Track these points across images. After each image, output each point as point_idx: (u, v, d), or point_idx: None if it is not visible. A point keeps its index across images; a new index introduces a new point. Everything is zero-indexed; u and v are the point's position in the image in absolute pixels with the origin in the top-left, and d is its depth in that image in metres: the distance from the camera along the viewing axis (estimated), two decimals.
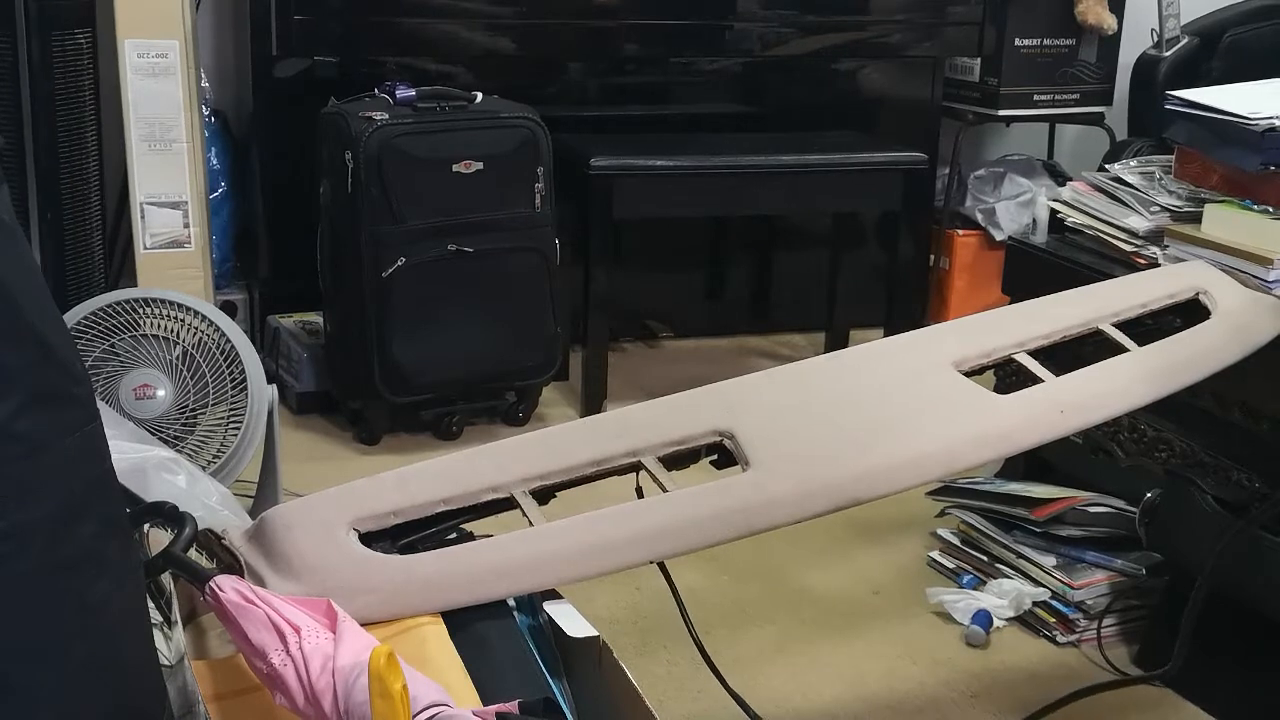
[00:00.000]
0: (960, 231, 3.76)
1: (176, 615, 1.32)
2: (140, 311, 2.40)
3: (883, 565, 2.46)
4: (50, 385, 0.98)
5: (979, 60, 3.70)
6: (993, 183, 3.79)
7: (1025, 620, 2.26)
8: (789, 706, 2.03)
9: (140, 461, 1.74)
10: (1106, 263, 2.30)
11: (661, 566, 1.63)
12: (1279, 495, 1.91)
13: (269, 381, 2.45)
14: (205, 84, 3.19)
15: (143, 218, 2.90)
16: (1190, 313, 1.87)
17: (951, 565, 2.42)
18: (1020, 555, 2.31)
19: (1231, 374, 1.80)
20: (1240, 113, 2.09)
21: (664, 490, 1.46)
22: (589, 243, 3.06)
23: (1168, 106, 2.24)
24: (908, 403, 1.59)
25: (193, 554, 1.37)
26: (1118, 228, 2.25)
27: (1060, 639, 2.22)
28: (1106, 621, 2.20)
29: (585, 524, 1.42)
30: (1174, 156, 2.28)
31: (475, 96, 2.89)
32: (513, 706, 1.15)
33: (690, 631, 1.76)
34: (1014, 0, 3.63)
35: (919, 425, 1.56)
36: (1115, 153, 3.50)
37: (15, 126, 2.80)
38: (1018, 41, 3.68)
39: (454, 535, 1.45)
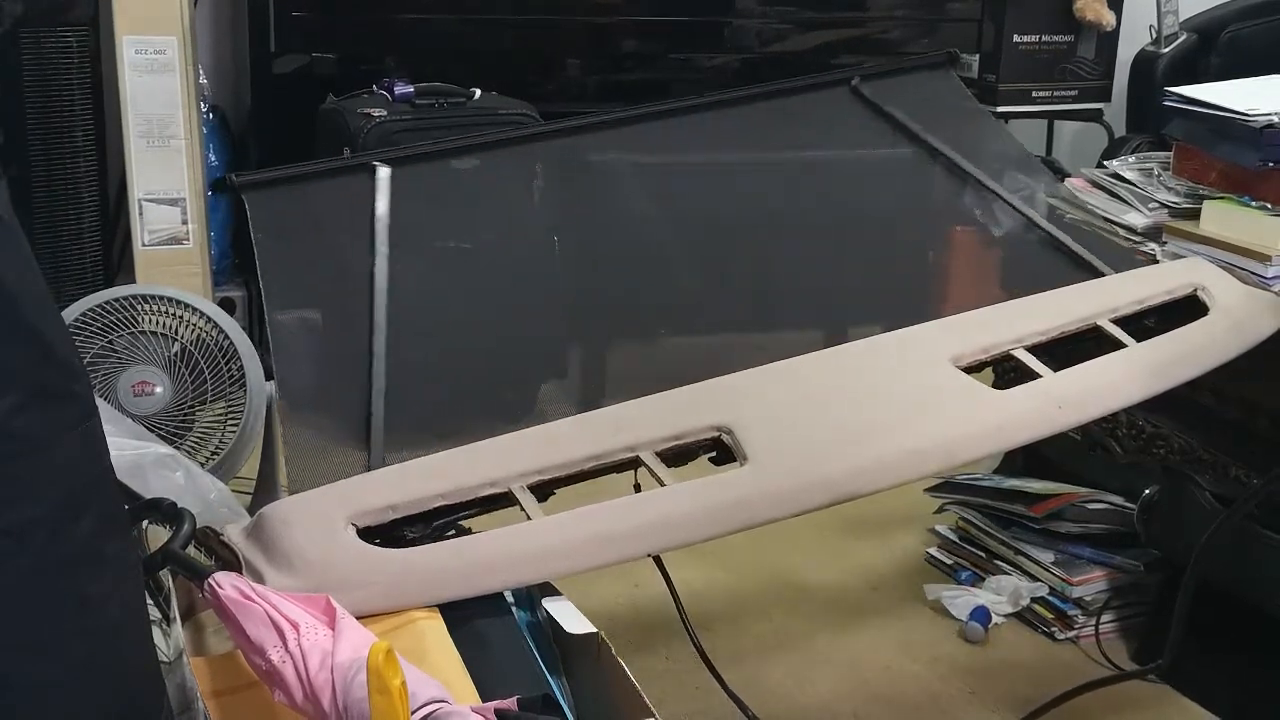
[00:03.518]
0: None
1: (175, 612, 1.32)
2: (139, 308, 2.39)
3: (881, 561, 2.46)
4: (49, 382, 0.98)
5: (977, 57, 3.70)
6: None
7: (1023, 616, 2.26)
8: (787, 702, 2.03)
9: (138, 458, 1.73)
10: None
11: (659, 562, 1.63)
12: (1261, 484, 1.91)
13: (268, 378, 2.45)
14: (204, 80, 3.19)
15: (141, 214, 2.90)
16: (1188, 309, 1.86)
17: (949, 561, 2.42)
18: (1018, 551, 2.31)
19: (1229, 370, 1.80)
20: (1239, 109, 2.09)
21: (662, 485, 1.46)
22: None
23: (1166, 103, 2.24)
24: (906, 398, 1.59)
25: (191, 551, 1.37)
26: (1116, 224, 2.25)
27: (1058, 635, 2.22)
28: (1104, 618, 2.20)
29: (582, 517, 1.42)
30: (1172, 153, 2.28)
31: (473, 93, 2.89)
32: (511, 703, 1.15)
33: (687, 629, 1.77)
34: None
35: (917, 420, 1.56)
36: (1114, 149, 3.50)
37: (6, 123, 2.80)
38: (1016, 38, 3.68)
39: (452, 531, 1.45)
